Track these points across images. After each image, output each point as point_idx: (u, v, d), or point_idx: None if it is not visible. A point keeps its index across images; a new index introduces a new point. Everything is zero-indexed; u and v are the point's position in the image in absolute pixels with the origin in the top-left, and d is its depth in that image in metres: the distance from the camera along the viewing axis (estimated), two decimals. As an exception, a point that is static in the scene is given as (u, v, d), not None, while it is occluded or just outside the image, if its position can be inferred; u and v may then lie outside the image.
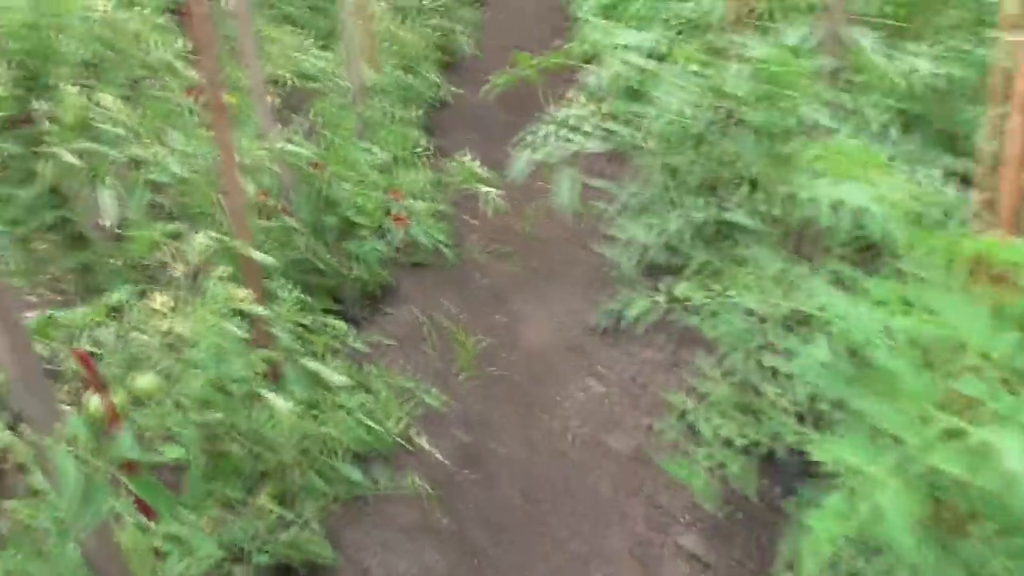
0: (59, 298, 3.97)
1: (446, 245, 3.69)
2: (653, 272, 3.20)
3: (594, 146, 2.58)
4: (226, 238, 2.35)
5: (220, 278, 2.22)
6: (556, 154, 2.67)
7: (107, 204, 2.87)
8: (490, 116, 6.00)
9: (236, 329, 1.98)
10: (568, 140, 2.63)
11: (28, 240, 3.33)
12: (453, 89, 5.57)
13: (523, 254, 4.15)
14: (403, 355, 3.43)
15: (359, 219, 3.47)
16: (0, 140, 3.05)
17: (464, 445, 3.01)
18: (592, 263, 3.92)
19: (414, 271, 4.07)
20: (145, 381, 2.01)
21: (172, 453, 1.98)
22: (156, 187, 3.26)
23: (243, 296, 2.16)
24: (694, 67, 2.43)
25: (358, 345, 2.82)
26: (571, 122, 2.79)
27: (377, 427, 2.39)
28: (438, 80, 5.43)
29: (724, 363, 2.42)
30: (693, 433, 2.61)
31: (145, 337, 2.05)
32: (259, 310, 2.13)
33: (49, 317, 1.73)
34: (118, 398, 1.98)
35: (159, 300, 2.03)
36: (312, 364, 2.56)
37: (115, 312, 2.11)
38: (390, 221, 3.51)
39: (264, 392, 2.06)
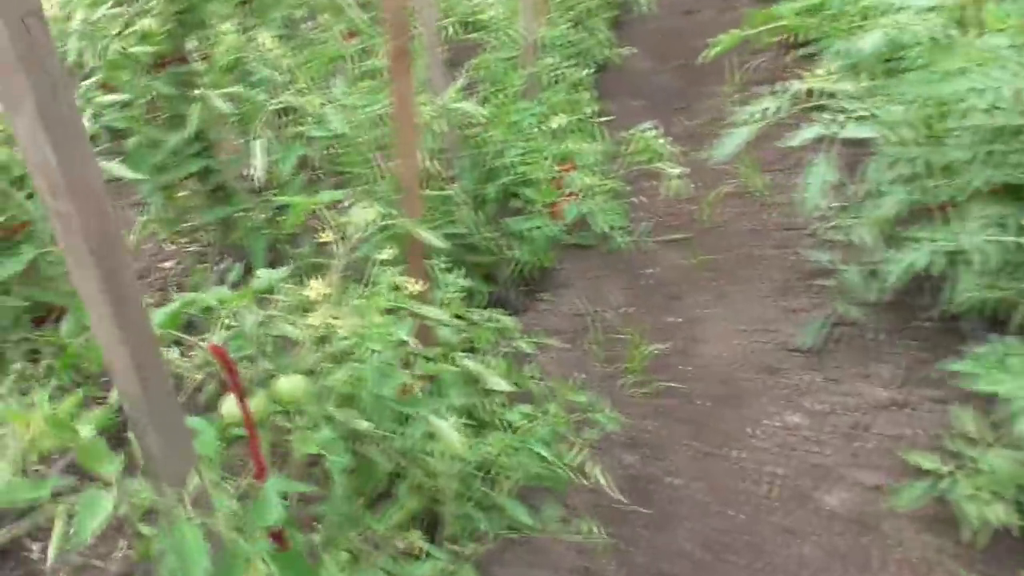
0: (197, 249, 3.75)
1: (619, 229, 3.21)
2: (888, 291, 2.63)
3: (852, 131, 2.02)
4: (392, 212, 1.96)
5: (384, 262, 1.83)
6: (801, 137, 2.13)
7: (257, 156, 2.53)
8: (660, 83, 5.44)
9: (404, 335, 1.58)
10: (820, 121, 2.07)
11: (172, 188, 3.07)
12: (624, 50, 5.02)
13: (701, 245, 3.61)
14: (563, 352, 2.99)
15: (527, 192, 3.03)
16: (151, 79, 2.77)
17: (632, 471, 2.56)
18: (788, 264, 3.34)
19: (575, 253, 3.61)
20: (291, 384, 1.64)
21: (309, 448, 1.62)
22: (305, 140, 2.93)
23: (412, 288, 1.76)
24: (1008, 38, 1.83)
25: (524, 345, 2.40)
26: (812, 98, 2.23)
27: (550, 456, 1.96)
28: (609, 38, 4.90)
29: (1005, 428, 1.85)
30: (946, 505, 2.06)
31: (294, 330, 1.68)
32: (432, 312, 1.73)
33: (183, 304, 1.37)
34: (258, 403, 1.62)
35: (315, 288, 1.65)
36: (473, 365, 2.17)
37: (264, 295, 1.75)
38: (561, 196, 3.05)
39: (431, 416, 1.65)
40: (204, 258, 3.60)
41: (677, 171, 3.36)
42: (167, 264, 3.67)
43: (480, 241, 3.02)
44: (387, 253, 1.80)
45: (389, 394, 1.55)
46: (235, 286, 2.71)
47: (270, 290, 1.77)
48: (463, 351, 2.21)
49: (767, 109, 2.58)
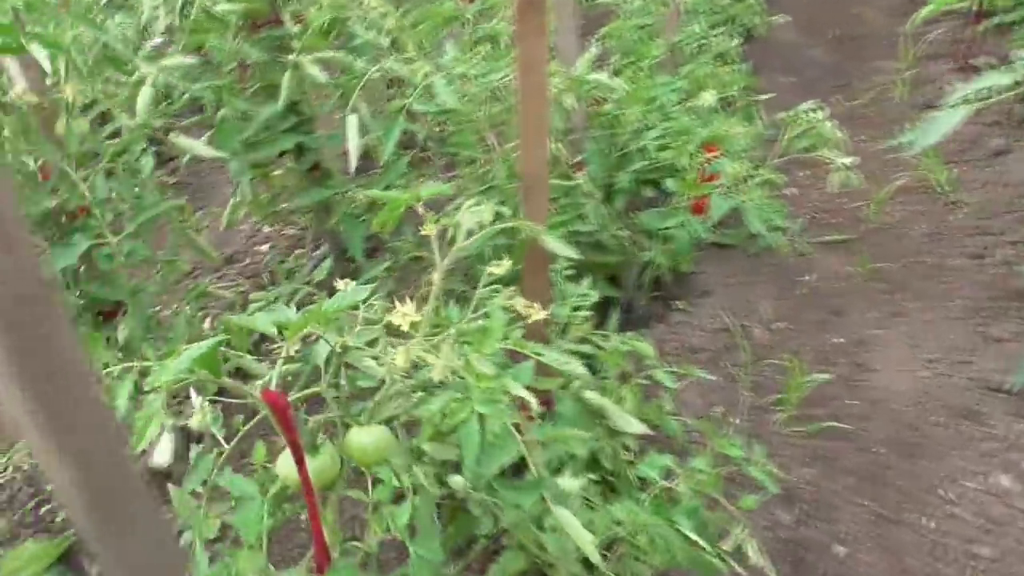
0: (294, 233, 3.46)
1: (777, 228, 2.68)
2: None
3: None
4: (509, 211, 1.53)
5: (497, 277, 1.41)
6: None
7: (353, 134, 2.15)
8: (814, 56, 4.79)
9: (519, 389, 1.15)
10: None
11: (264, 167, 2.76)
12: (777, 17, 4.41)
13: (869, 249, 3.03)
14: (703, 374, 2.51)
15: (668, 182, 2.55)
16: (241, 42, 2.44)
17: (786, 533, 2.07)
18: (985, 279, 2.73)
19: (715, 254, 3.11)
20: (369, 438, 1.26)
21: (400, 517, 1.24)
22: (410, 115, 2.55)
23: (533, 316, 1.33)
24: None
25: (663, 378, 1.94)
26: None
27: (698, 537, 1.50)
28: (760, 3, 4.30)
29: None
30: None
31: (376, 366, 1.29)
32: (556, 359, 1.29)
33: (218, 341, 0.99)
34: (323, 463, 1.24)
35: (402, 312, 1.24)
36: (597, 399, 1.75)
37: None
38: (711, 188, 2.55)
39: (555, 506, 1.23)
40: (301, 243, 3.31)
41: (848, 160, 2.79)
42: (263, 248, 3.40)
43: (608, 239, 2.57)
44: (501, 267, 1.37)
45: (496, 468, 1.15)
46: (320, 284, 2.37)
47: (355, 307, 1.38)
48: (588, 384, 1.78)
49: (989, 88, 2.01)
